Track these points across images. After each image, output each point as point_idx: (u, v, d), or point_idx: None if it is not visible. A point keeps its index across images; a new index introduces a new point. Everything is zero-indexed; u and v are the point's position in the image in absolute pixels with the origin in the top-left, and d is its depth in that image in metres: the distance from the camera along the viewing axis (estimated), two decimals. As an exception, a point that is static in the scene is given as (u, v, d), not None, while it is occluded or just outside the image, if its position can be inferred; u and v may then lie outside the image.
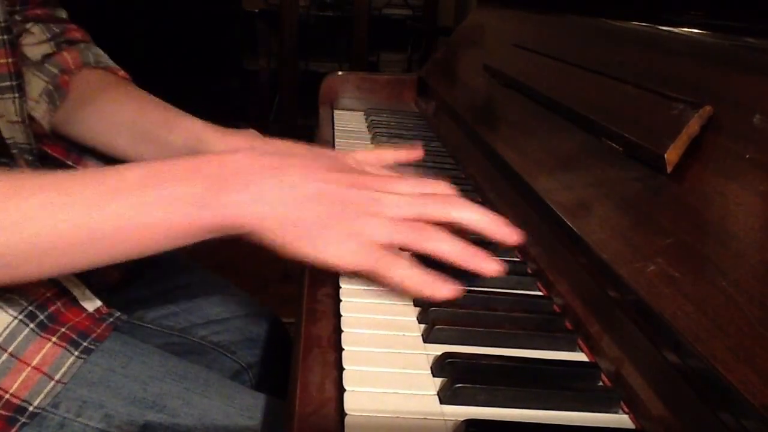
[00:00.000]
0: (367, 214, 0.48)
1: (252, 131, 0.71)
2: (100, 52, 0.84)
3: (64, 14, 0.83)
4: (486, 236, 0.51)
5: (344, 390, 0.40)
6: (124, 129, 0.75)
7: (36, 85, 0.76)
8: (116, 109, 0.77)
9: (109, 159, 0.82)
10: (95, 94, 0.78)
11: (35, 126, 0.77)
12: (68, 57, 0.79)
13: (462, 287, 0.48)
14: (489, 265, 0.49)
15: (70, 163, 0.82)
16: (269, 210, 0.47)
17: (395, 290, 0.49)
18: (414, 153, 0.67)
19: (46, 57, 0.78)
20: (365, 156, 0.63)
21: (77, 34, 0.82)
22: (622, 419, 0.42)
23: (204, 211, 0.46)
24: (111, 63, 0.84)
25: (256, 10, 3.46)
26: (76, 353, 0.59)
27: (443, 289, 0.47)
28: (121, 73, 0.84)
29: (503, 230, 0.51)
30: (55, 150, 0.81)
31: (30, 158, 0.67)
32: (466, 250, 0.49)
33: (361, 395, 0.40)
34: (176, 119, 0.73)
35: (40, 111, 0.77)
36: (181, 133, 0.72)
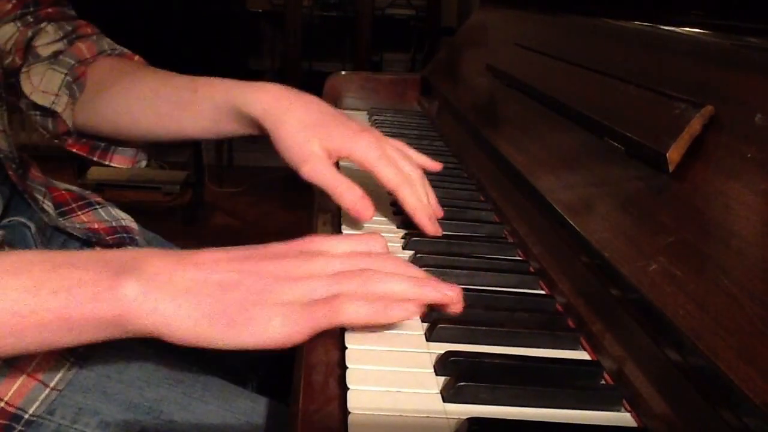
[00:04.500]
0: (291, 279, 0.44)
1: (277, 84, 0.69)
2: (112, 42, 0.85)
3: (72, 12, 0.83)
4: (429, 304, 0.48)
5: (348, 388, 0.41)
6: (148, 104, 0.74)
7: (54, 79, 0.76)
8: (139, 88, 0.76)
9: (136, 147, 0.83)
10: (114, 76, 0.78)
11: (58, 124, 0.77)
12: (83, 47, 0.79)
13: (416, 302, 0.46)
14: (448, 294, 0.47)
15: (95, 158, 0.82)
16: (175, 306, 0.42)
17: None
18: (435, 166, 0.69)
19: (59, 52, 0.78)
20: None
21: (88, 29, 0.82)
22: (625, 417, 0.42)
23: (100, 304, 0.42)
24: (125, 50, 0.84)
25: (261, 11, 3.47)
26: (72, 359, 0.59)
27: (397, 310, 0.45)
28: (137, 58, 0.84)
29: (438, 294, 0.47)
30: (80, 148, 0.81)
31: (14, 166, 0.67)
32: (421, 283, 0.47)
33: (364, 394, 0.40)
34: (202, 80, 0.72)
35: (61, 105, 0.76)
36: (208, 90, 0.70)
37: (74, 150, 0.80)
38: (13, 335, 0.42)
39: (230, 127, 0.70)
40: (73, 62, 0.77)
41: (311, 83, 1.06)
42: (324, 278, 0.45)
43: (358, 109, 1.24)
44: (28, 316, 0.42)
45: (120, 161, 0.83)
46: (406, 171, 0.64)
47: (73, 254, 0.46)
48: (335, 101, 1.27)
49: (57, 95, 0.75)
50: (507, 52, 0.99)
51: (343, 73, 1.32)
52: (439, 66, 1.33)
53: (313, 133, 0.63)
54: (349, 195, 0.61)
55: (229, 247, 0.47)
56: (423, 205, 0.63)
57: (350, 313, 0.43)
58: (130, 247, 0.51)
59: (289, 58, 3.34)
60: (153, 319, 0.42)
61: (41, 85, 0.75)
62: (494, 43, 1.12)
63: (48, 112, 0.76)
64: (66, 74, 0.76)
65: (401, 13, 3.57)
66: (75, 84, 0.77)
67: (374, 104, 1.25)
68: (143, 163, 0.84)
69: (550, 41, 0.88)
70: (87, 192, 0.81)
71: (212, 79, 0.72)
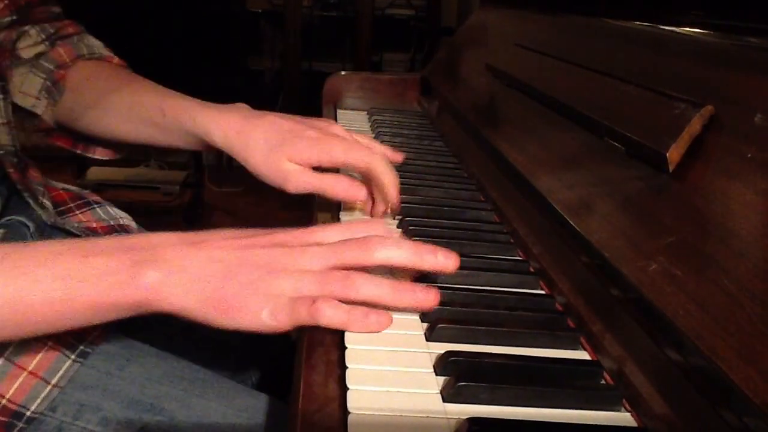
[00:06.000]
0: (284, 272, 0.48)
1: (243, 105, 0.72)
2: (94, 41, 0.86)
3: (58, 9, 0.84)
4: (419, 270, 0.51)
5: (347, 388, 0.41)
6: (123, 117, 0.77)
7: (34, 82, 0.78)
8: (112, 98, 0.78)
9: (117, 145, 0.85)
10: (91, 85, 0.80)
11: (41, 122, 0.79)
12: (62, 51, 0.81)
13: (389, 316, 0.48)
14: (427, 297, 0.49)
15: (78, 151, 0.85)
16: (185, 291, 0.47)
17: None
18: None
19: (41, 55, 0.79)
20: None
21: (71, 29, 0.84)
22: (625, 417, 0.42)
23: (125, 290, 0.46)
24: (105, 52, 0.86)
25: (260, 10, 3.46)
26: (73, 357, 0.59)
27: (371, 321, 0.47)
28: (116, 60, 0.86)
29: (436, 260, 0.50)
30: (64, 141, 0.84)
31: (15, 160, 0.67)
32: (396, 288, 0.48)
33: (364, 394, 0.40)
34: (169, 102, 0.74)
35: (41, 107, 0.78)
36: (174, 115, 0.73)
37: (58, 143, 0.84)
38: (45, 321, 0.47)
39: (200, 148, 0.74)
40: (52, 67, 0.79)
41: (311, 83, 1.06)
42: (312, 274, 0.48)
43: (358, 109, 1.24)
44: (58, 303, 0.46)
45: (102, 153, 0.87)
46: (374, 149, 0.68)
47: (98, 242, 0.50)
48: (335, 101, 1.27)
49: (37, 98, 0.78)
50: (507, 52, 0.99)
51: (343, 73, 1.31)
52: (439, 66, 1.33)
53: (281, 152, 0.66)
54: (339, 186, 0.65)
55: (236, 231, 0.51)
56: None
57: (328, 316, 0.46)
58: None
59: (289, 58, 3.34)
60: (169, 303, 0.47)
61: (22, 88, 0.78)
62: (494, 43, 1.12)
63: (30, 112, 0.79)
64: (45, 79, 0.79)
65: (401, 13, 3.56)
66: (54, 87, 0.79)
67: (374, 104, 1.25)
68: (123, 154, 0.88)
69: (550, 41, 0.88)
70: (85, 191, 0.82)
71: (179, 101, 0.74)
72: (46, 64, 0.79)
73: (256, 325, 0.47)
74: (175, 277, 0.47)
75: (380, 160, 0.65)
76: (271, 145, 0.66)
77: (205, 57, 3.17)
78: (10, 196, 0.69)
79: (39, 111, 0.78)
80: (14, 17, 0.75)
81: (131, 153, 0.88)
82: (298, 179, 0.65)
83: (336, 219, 0.68)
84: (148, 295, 0.46)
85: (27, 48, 0.79)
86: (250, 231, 0.52)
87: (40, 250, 0.48)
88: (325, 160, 0.65)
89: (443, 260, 0.50)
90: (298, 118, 0.70)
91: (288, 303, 0.47)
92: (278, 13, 3.33)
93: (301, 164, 0.65)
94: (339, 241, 0.50)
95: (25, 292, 0.45)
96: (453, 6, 3.36)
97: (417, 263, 0.49)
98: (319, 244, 0.50)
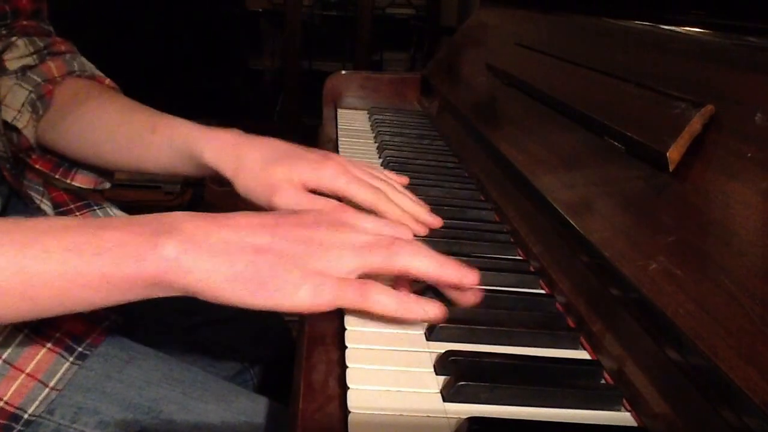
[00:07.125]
0: (321, 247, 0.46)
1: (236, 130, 0.68)
2: (86, 62, 0.83)
3: (50, 28, 0.81)
4: (440, 284, 0.49)
5: (348, 388, 0.41)
6: (108, 136, 0.73)
7: (19, 95, 0.74)
8: (100, 117, 0.74)
9: (100, 171, 0.80)
10: (79, 102, 0.76)
11: (21, 139, 0.75)
12: (52, 66, 0.78)
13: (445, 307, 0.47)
14: (468, 276, 0.48)
15: (57, 176, 0.79)
16: (211, 265, 0.43)
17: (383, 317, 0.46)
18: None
19: (29, 68, 0.76)
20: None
21: (62, 47, 0.80)
22: (625, 417, 0.42)
23: (142, 263, 0.43)
24: (97, 72, 0.82)
25: (260, 10, 3.46)
26: (71, 359, 0.59)
27: (428, 309, 0.46)
28: (108, 81, 0.82)
29: (457, 275, 0.48)
30: (44, 165, 0.79)
31: (8, 166, 0.67)
32: (443, 262, 0.47)
33: (364, 393, 0.41)
34: (161, 120, 0.71)
35: (23, 121, 0.74)
36: (166, 132, 0.69)
37: (37, 166, 0.78)
38: (58, 297, 0.43)
39: (188, 170, 0.69)
40: (39, 80, 0.76)
41: (311, 83, 1.05)
42: (353, 249, 0.46)
43: (359, 109, 1.24)
44: (74, 278, 0.42)
45: (82, 181, 0.81)
46: (378, 186, 0.63)
47: (109, 219, 0.47)
48: (335, 101, 1.27)
49: (19, 111, 0.74)
50: (507, 52, 0.99)
51: (343, 72, 1.32)
52: (439, 65, 1.33)
53: (277, 165, 0.62)
54: None
55: (260, 212, 0.48)
56: (407, 213, 0.62)
57: (378, 302, 0.45)
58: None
59: (289, 58, 3.34)
60: (191, 278, 0.43)
61: (5, 100, 0.73)
62: (494, 42, 1.12)
63: (11, 126, 0.74)
64: (31, 91, 0.74)
65: (401, 12, 3.56)
66: (39, 101, 0.75)
67: (374, 104, 1.25)
68: (107, 185, 0.82)
69: (551, 40, 0.88)
70: (87, 192, 0.81)
71: (172, 120, 0.70)
72: (34, 77, 0.75)
73: (293, 304, 0.44)
74: (199, 251, 0.43)
75: (384, 201, 0.61)
76: (267, 159, 0.63)
77: (205, 57, 3.17)
78: (10, 196, 0.69)
79: (20, 125, 0.73)
80: None
81: (112, 180, 0.82)
82: (288, 194, 0.61)
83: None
84: (169, 270, 0.43)
85: (13, 59, 0.75)
86: (275, 213, 0.49)
87: (47, 223, 0.45)
88: (325, 186, 0.61)
89: (468, 278, 0.49)
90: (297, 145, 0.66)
91: (333, 283, 0.44)
92: (278, 12, 3.33)
93: (296, 183, 0.61)
94: (371, 239, 0.48)
95: (36, 263, 0.42)
96: (453, 5, 3.36)
97: (440, 275, 0.48)
98: (351, 226, 0.49)
